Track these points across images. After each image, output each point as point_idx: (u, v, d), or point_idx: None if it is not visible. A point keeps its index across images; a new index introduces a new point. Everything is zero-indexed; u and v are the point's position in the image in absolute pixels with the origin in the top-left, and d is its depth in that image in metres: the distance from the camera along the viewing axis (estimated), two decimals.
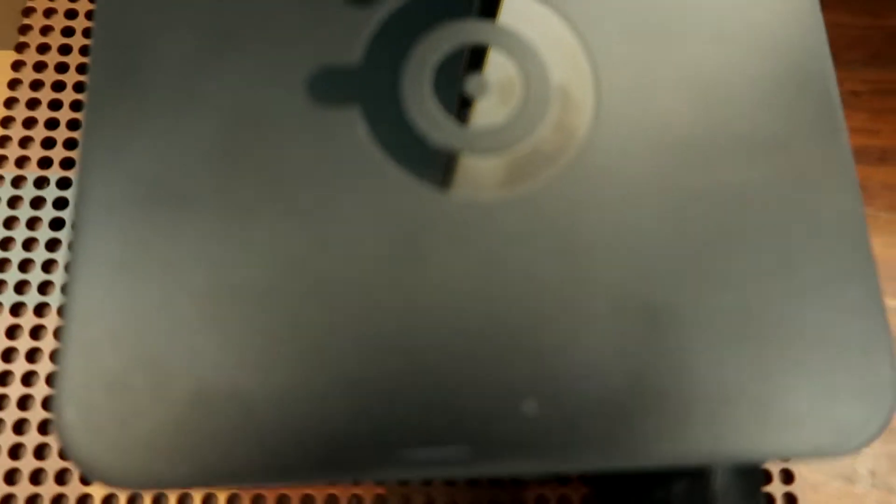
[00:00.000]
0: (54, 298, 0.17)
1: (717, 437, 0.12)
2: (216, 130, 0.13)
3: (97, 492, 0.15)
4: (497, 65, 0.14)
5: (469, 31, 0.14)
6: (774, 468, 0.17)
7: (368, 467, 0.11)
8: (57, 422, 0.11)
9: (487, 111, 0.13)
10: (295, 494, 0.16)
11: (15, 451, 0.16)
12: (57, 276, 0.17)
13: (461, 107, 0.13)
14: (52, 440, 0.16)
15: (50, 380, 0.16)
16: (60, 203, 0.17)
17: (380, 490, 0.16)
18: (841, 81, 0.35)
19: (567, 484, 0.16)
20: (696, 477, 0.13)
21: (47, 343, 0.16)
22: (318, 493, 0.16)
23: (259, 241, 0.12)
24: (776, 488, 0.17)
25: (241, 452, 0.11)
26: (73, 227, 0.12)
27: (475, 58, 0.14)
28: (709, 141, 0.13)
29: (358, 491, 0.16)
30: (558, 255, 0.13)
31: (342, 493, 0.16)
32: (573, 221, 0.13)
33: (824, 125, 0.14)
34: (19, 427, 0.16)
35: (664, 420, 0.12)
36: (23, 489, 0.15)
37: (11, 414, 0.16)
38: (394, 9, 0.14)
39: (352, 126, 0.13)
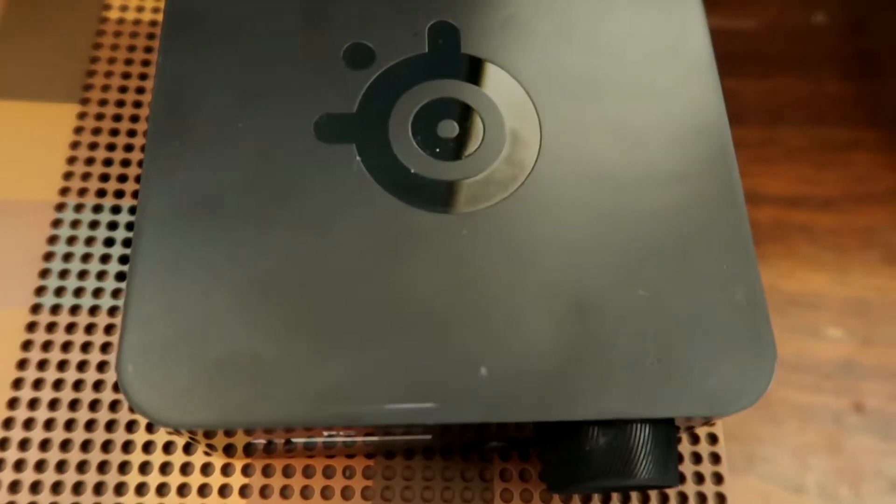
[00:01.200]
0: (105, 301, 0.20)
1: (630, 397, 0.15)
2: (244, 161, 0.17)
3: (160, 438, 0.19)
4: (463, 113, 0.18)
5: (440, 88, 0.18)
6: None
7: (360, 415, 0.15)
8: (120, 378, 0.15)
9: (456, 149, 0.17)
10: (298, 465, 0.19)
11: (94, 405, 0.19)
12: (107, 284, 0.20)
13: (435, 145, 0.17)
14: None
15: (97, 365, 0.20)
16: (112, 225, 0.21)
17: (369, 462, 0.19)
18: (788, 138, 0.39)
19: (527, 460, 0.20)
20: (618, 431, 0.16)
21: (98, 337, 0.20)
22: (318, 464, 0.19)
23: (275, 244, 0.16)
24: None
25: (258, 401, 0.15)
26: (134, 231, 0.16)
27: (446, 108, 0.18)
28: (628, 174, 0.17)
29: (351, 462, 0.19)
30: (508, 258, 0.16)
31: (338, 463, 0.19)
32: (521, 233, 0.17)
33: (718, 163, 0.18)
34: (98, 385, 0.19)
35: (586, 382, 0.15)
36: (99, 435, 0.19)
37: (87, 395, 0.19)
38: (381, 72, 0.18)
39: (349, 159, 0.17)
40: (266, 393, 0.15)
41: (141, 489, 0.19)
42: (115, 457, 0.19)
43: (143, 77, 0.23)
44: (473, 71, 0.18)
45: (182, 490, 0.19)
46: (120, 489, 0.19)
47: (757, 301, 0.16)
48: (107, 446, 0.19)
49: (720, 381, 0.16)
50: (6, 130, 0.22)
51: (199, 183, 0.17)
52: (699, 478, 0.20)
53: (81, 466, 0.19)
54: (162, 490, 0.19)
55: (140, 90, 0.23)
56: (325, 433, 0.16)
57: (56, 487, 0.18)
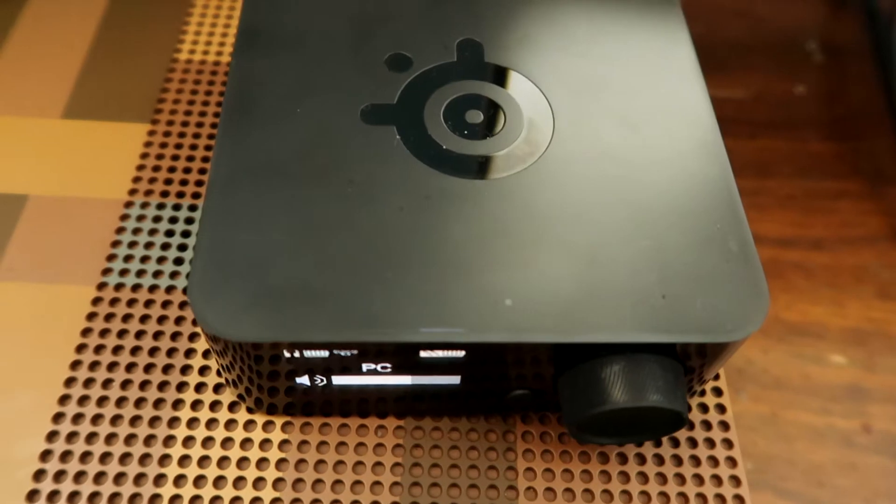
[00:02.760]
0: (163, 281, 0.23)
1: (639, 324, 0.17)
2: (300, 135, 0.20)
3: (207, 398, 0.20)
4: (487, 105, 0.21)
5: (467, 87, 0.21)
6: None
7: (398, 335, 0.17)
8: (190, 297, 0.17)
9: (481, 132, 0.20)
10: (334, 423, 0.21)
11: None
12: (166, 267, 0.23)
13: (463, 128, 0.20)
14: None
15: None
16: (172, 220, 0.24)
17: (400, 422, 0.21)
18: (778, 188, 0.42)
19: (548, 424, 0.21)
20: (629, 360, 0.17)
21: (155, 311, 0.22)
22: (352, 423, 0.21)
23: (325, 197, 0.19)
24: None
25: (309, 321, 0.17)
26: (206, 184, 0.19)
27: (472, 101, 0.21)
28: (630, 153, 0.20)
29: (384, 422, 0.21)
30: (529, 215, 0.19)
31: (371, 423, 0.21)
32: (540, 195, 0.19)
33: (707, 143, 0.20)
34: (153, 351, 0.21)
35: (599, 312, 0.17)
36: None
37: (143, 359, 0.21)
38: (417, 74, 0.21)
39: (390, 137, 0.20)
40: (316, 314, 0.17)
41: (188, 442, 0.20)
42: (166, 413, 0.20)
43: (205, 104, 0.27)
44: (495, 74, 0.22)
45: (225, 444, 0.20)
46: (168, 441, 0.20)
47: (748, 251, 0.19)
48: (158, 404, 0.21)
49: (719, 314, 0.17)
50: (86, 143, 0.26)
51: (262, 149, 0.19)
52: (718, 481, 0.21)
53: (134, 421, 0.20)
54: (207, 444, 0.20)
55: (202, 114, 0.26)
56: (364, 366, 0.18)
57: (109, 439, 0.20)
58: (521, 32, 0.23)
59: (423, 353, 0.18)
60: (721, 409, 0.22)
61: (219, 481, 0.20)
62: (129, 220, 0.24)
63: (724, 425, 0.21)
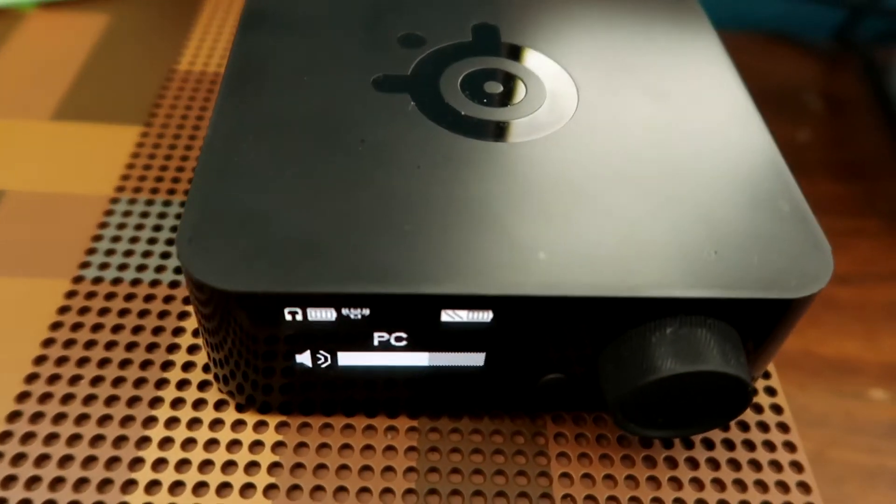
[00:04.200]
0: (147, 275, 0.20)
1: (686, 277, 0.15)
2: (307, 99, 0.18)
3: (190, 395, 0.18)
4: (506, 77, 0.20)
5: (484, 62, 0.20)
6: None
7: (418, 285, 0.14)
8: (178, 248, 0.15)
9: (501, 100, 0.19)
10: (337, 423, 0.18)
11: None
12: (151, 262, 0.21)
13: (483, 97, 0.19)
14: None
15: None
16: (161, 215, 0.22)
17: (412, 422, 0.18)
18: None
19: (583, 425, 0.18)
20: (679, 322, 0.15)
21: (136, 304, 0.20)
22: (358, 423, 0.18)
23: (335, 156, 0.17)
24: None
25: (315, 273, 0.14)
26: (203, 147, 0.17)
27: (490, 74, 0.20)
28: (660, 121, 0.19)
29: (394, 422, 0.18)
30: (555, 173, 0.17)
31: (380, 423, 0.18)
32: (566, 157, 0.17)
33: (739, 110, 0.19)
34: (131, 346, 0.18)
35: (641, 264, 0.15)
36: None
37: (119, 354, 0.18)
38: (432, 50, 0.20)
39: (404, 104, 0.18)
40: (322, 265, 0.15)
41: (164, 444, 0.17)
42: (141, 412, 0.17)
43: (203, 109, 0.25)
44: (513, 52, 0.21)
45: (209, 446, 0.17)
46: (142, 444, 0.17)
47: (802, 210, 0.17)
48: (132, 402, 0.18)
49: (780, 270, 0.15)
50: (74, 143, 0.24)
51: (265, 111, 0.18)
52: (784, 488, 0.18)
53: (102, 421, 0.17)
54: (187, 446, 0.17)
55: (199, 118, 0.25)
56: (377, 336, 0.16)
57: (72, 441, 0.17)
58: (538, 15, 0.22)
59: (444, 317, 0.15)
60: (777, 409, 0.19)
61: (199, 489, 0.16)
62: (113, 215, 0.22)
63: (783, 427, 0.18)
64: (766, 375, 0.20)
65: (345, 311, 0.15)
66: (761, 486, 0.17)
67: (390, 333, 0.16)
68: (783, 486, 0.17)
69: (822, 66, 0.47)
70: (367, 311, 0.15)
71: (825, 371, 0.30)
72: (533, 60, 0.20)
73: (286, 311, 0.15)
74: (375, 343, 0.16)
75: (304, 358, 0.16)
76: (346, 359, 0.16)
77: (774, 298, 0.15)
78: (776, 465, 0.18)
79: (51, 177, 0.23)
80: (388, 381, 0.17)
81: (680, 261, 0.15)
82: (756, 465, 0.18)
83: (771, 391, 0.19)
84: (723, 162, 0.18)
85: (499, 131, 0.18)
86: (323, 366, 0.16)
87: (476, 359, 0.16)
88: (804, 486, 0.17)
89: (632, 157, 0.18)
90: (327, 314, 0.15)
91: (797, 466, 0.18)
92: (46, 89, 0.26)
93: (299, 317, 0.15)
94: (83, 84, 0.26)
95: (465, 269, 0.15)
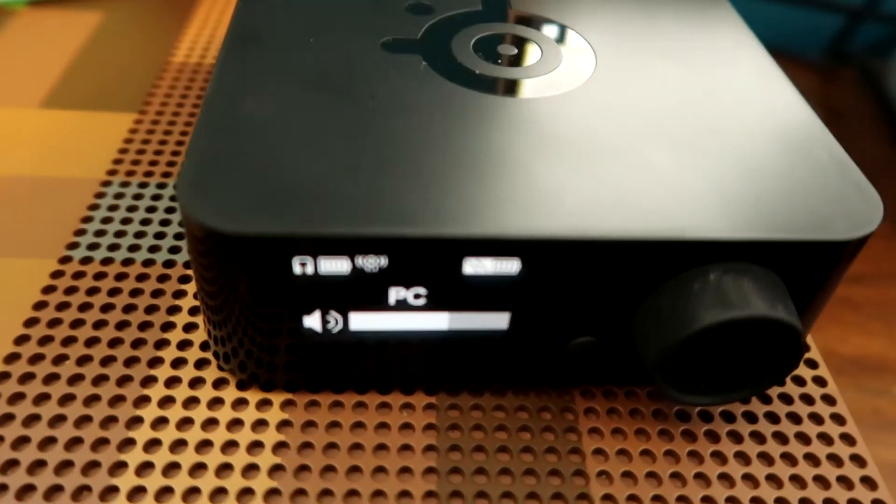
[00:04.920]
0: (140, 255, 0.19)
1: (726, 219, 0.14)
2: (319, 59, 0.17)
3: (187, 374, 0.16)
4: (520, 41, 0.19)
5: (496, 28, 0.19)
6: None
7: (440, 227, 0.13)
8: (179, 194, 0.13)
9: (516, 61, 0.18)
10: (348, 401, 0.16)
11: None
12: (144, 241, 0.19)
13: (496, 58, 0.18)
14: None
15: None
16: (156, 197, 0.21)
17: (430, 399, 0.16)
18: None
19: (614, 399, 0.17)
20: (722, 270, 0.14)
21: (128, 284, 0.18)
22: (370, 400, 0.16)
23: (346, 109, 0.16)
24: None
25: (326, 214, 0.13)
26: (205, 100, 0.16)
27: (503, 38, 0.19)
28: (684, 81, 0.18)
29: (411, 399, 0.16)
30: (578, 125, 0.16)
31: (395, 400, 0.16)
32: (588, 111, 0.17)
33: (763, 68, 0.18)
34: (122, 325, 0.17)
35: (677, 204, 0.14)
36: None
37: (108, 333, 0.17)
38: (442, 16, 0.20)
39: (415, 64, 0.18)
40: (335, 209, 0.14)
41: (158, 425, 0.15)
42: (131, 391, 0.16)
43: (199, 97, 0.24)
44: (525, 19, 0.20)
45: (207, 426, 0.15)
46: (132, 424, 0.15)
47: (841, 158, 0.16)
48: (123, 382, 0.16)
49: (825, 215, 0.14)
50: (65, 130, 0.23)
51: (271, 68, 0.17)
52: (837, 461, 0.16)
53: (89, 402, 0.16)
54: (183, 426, 0.15)
55: (195, 105, 0.24)
56: (393, 292, 0.14)
57: (55, 422, 0.15)
58: None
59: (467, 268, 0.14)
60: (821, 382, 0.18)
61: (196, 470, 0.15)
62: (104, 198, 0.21)
63: (829, 400, 0.17)
64: (805, 347, 0.18)
65: (360, 262, 0.14)
66: (812, 459, 0.16)
67: (408, 289, 0.14)
68: (835, 459, 0.16)
69: (817, 77, 0.47)
70: (384, 261, 0.14)
71: (848, 369, 0.29)
72: (546, 26, 0.20)
73: (296, 261, 0.14)
74: (392, 301, 0.15)
75: (314, 321, 0.15)
76: (359, 321, 0.15)
77: (824, 241, 0.14)
78: (825, 438, 0.16)
79: (40, 161, 0.22)
80: (404, 350, 0.16)
81: (719, 206, 0.14)
82: (804, 439, 0.16)
83: (812, 364, 0.18)
84: (752, 116, 0.17)
85: (517, 88, 0.17)
86: (334, 331, 0.15)
87: (500, 320, 0.15)
88: (858, 459, 0.16)
89: (657, 112, 0.17)
90: (341, 265, 0.14)
91: (848, 439, 0.16)
92: (37, 79, 0.25)
93: (310, 269, 0.14)
94: (75, 75, 0.25)
95: (491, 212, 0.14)
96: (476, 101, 0.17)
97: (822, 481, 0.16)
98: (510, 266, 0.14)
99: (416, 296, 0.15)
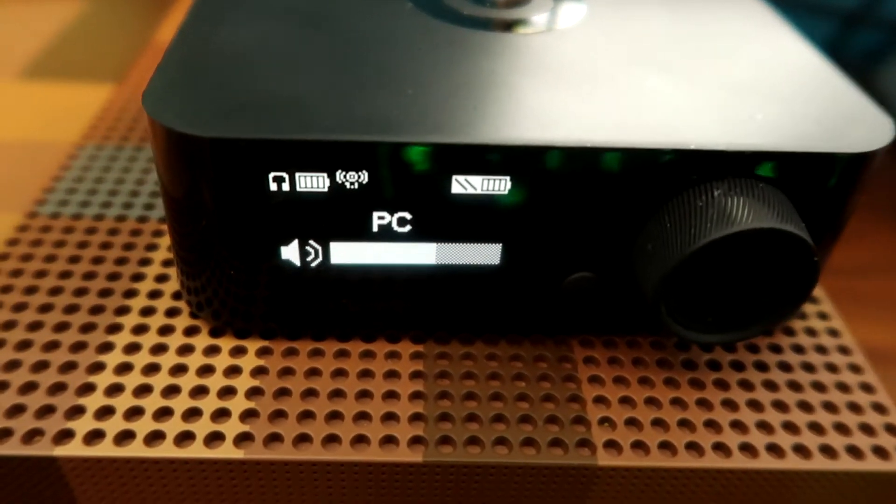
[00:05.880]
0: (112, 211, 0.18)
1: (726, 131, 0.13)
2: (303, 1, 0.17)
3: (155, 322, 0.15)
4: None
5: None
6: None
7: (425, 134, 0.12)
8: (146, 103, 0.13)
9: (505, 4, 0.18)
10: (329, 349, 0.15)
11: None
12: (117, 199, 0.18)
13: (485, 3, 0.18)
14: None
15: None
16: (132, 159, 0.20)
17: (417, 347, 0.15)
18: None
19: (614, 349, 0.16)
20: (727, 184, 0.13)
21: (98, 237, 0.17)
22: (353, 348, 0.15)
23: (327, 36, 0.15)
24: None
25: (303, 120, 0.12)
26: (179, 29, 0.15)
27: None
28: (680, 25, 0.17)
29: (397, 347, 0.15)
30: (572, 56, 0.15)
31: (379, 348, 0.15)
32: (574, 46, 0.16)
33: (763, 20, 0.18)
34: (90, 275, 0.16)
35: (685, 119, 0.13)
36: None
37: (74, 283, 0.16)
38: None
39: (400, 4, 0.17)
40: (313, 116, 0.13)
41: (123, 371, 0.14)
42: (95, 338, 0.15)
43: None
44: None
45: (176, 373, 0.14)
46: (94, 369, 0.14)
47: (845, 84, 0.15)
48: (87, 329, 0.15)
49: (834, 130, 0.14)
50: (43, 99, 0.22)
51: (251, 3, 0.16)
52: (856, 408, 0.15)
53: (49, 347, 0.14)
54: (150, 372, 0.14)
55: None
56: (376, 216, 0.13)
57: (10, 367, 0.14)
58: None
59: (455, 186, 0.13)
60: (833, 333, 0.17)
61: (161, 416, 0.14)
62: (77, 159, 0.20)
63: (844, 350, 0.16)
64: (815, 300, 0.17)
65: (339, 177, 0.13)
66: (830, 408, 0.15)
67: (392, 213, 0.13)
68: (855, 408, 0.15)
69: None
70: (364, 176, 0.13)
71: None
72: None
73: (271, 176, 0.13)
74: (375, 228, 0.14)
75: (292, 252, 0.14)
76: (341, 253, 0.14)
77: (836, 153, 0.13)
78: (843, 387, 0.15)
79: (12, 127, 0.21)
80: (389, 287, 0.15)
81: (721, 122, 0.14)
82: (820, 387, 0.15)
83: (823, 315, 0.17)
84: (751, 51, 0.16)
85: (504, 26, 0.17)
86: (313, 264, 0.14)
87: (491, 253, 0.14)
88: (879, 408, 0.15)
89: (652, 47, 0.16)
90: (318, 181, 0.13)
91: (867, 388, 0.15)
92: (17, 54, 0.24)
93: (286, 185, 0.13)
94: (56, 50, 0.25)
95: (479, 122, 0.13)
96: (462, 34, 0.16)
97: (842, 429, 0.14)
98: (500, 185, 0.13)
99: (401, 221, 0.14)
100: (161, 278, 0.16)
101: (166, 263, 0.17)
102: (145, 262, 0.17)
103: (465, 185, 0.13)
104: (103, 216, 0.18)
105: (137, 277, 0.16)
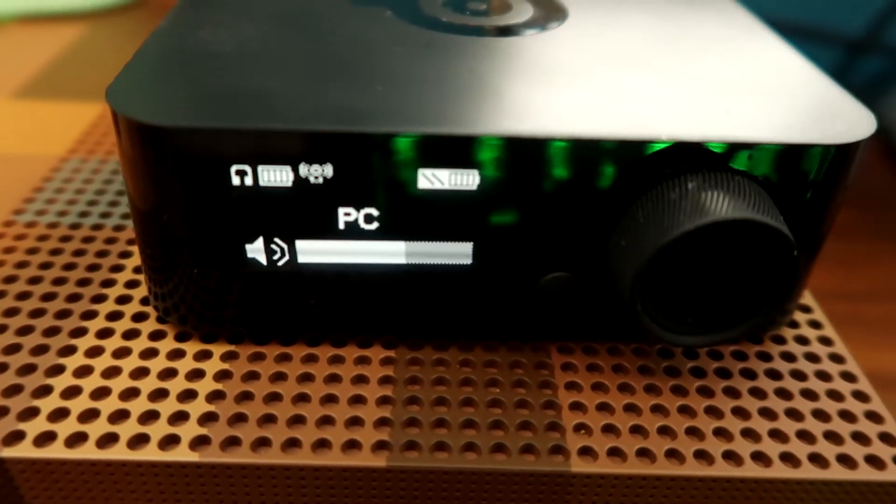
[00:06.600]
0: (89, 220, 0.18)
1: (701, 124, 0.13)
2: (282, 7, 0.17)
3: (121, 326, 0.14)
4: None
5: None
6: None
7: (394, 124, 0.12)
8: (110, 97, 0.13)
9: (484, 12, 0.18)
10: (297, 353, 0.14)
11: None
12: (96, 209, 0.18)
13: (464, 9, 0.18)
14: None
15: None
16: (115, 171, 0.20)
17: (389, 352, 0.15)
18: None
19: (594, 355, 0.15)
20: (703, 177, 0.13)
21: (71, 245, 0.17)
22: (322, 353, 0.15)
23: (302, 37, 0.15)
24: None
25: (268, 111, 0.12)
26: (154, 32, 0.15)
27: None
28: (659, 28, 0.17)
29: (367, 352, 0.15)
30: (542, 56, 0.15)
31: (349, 353, 0.15)
32: (552, 48, 0.16)
33: (744, 24, 0.18)
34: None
35: (660, 112, 0.13)
36: None
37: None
38: None
39: (380, 12, 0.17)
40: (278, 107, 0.12)
41: (82, 374, 0.14)
42: (57, 341, 0.14)
43: None
44: None
45: (137, 376, 0.14)
46: (53, 371, 0.14)
47: (829, 83, 0.15)
48: (50, 333, 0.15)
49: (812, 124, 0.13)
50: (33, 116, 0.22)
51: (229, 10, 0.16)
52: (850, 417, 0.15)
53: (10, 350, 0.14)
54: (110, 375, 0.14)
55: None
56: (342, 213, 0.13)
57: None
58: None
59: (422, 181, 0.13)
60: (826, 341, 0.16)
61: (118, 419, 0.13)
62: (60, 171, 0.20)
63: (837, 358, 0.15)
64: (807, 309, 0.17)
65: (303, 171, 0.13)
66: (822, 416, 0.14)
67: (358, 210, 0.13)
68: (848, 415, 0.14)
69: None
70: (329, 170, 0.13)
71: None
72: None
73: (233, 169, 0.12)
74: (341, 225, 0.13)
75: (257, 251, 0.14)
76: (307, 251, 0.14)
77: (821, 144, 0.13)
78: (836, 395, 0.14)
79: (1, 140, 0.21)
80: (359, 288, 0.14)
81: (696, 115, 0.13)
82: (811, 395, 0.14)
83: (816, 324, 0.16)
84: (730, 51, 0.16)
85: (483, 32, 0.17)
86: (280, 262, 0.14)
87: (462, 252, 0.14)
88: (875, 416, 0.14)
89: (629, 49, 0.16)
90: (282, 175, 0.13)
91: (862, 396, 0.14)
92: (13, 74, 0.25)
93: (249, 180, 0.13)
94: (52, 72, 0.25)
95: (446, 114, 0.13)
96: (438, 38, 0.16)
97: (833, 437, 0.14)
98: (468, 180, 0.13)
99: (368, 218, 0.13)
100: (131, 284, 0.16)
101: (138, 270, 0.16)
102: (117, 268, 0.16)
103: (431, 179, 0.13)
104: (79, 225, 0.18)
105: (108, 283, 0.16)
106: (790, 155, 0.13)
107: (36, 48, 0.27)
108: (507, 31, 0.17)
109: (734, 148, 0.13)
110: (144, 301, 0.16)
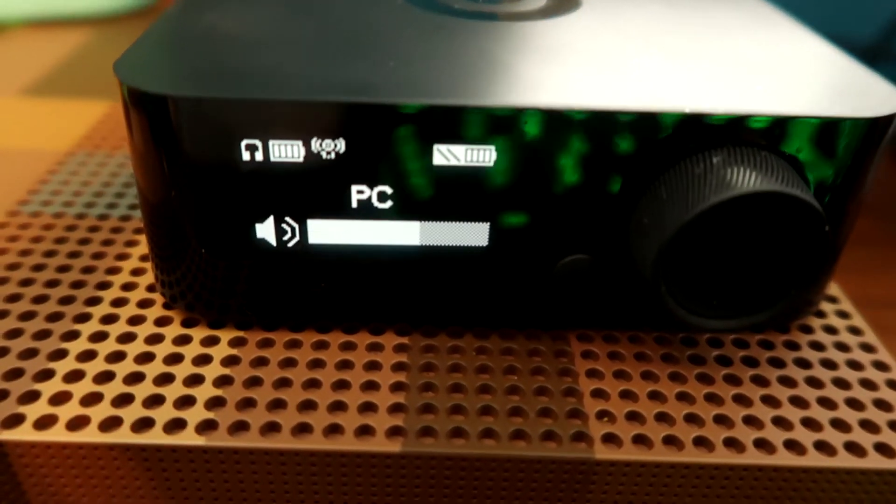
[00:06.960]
0: (94, 210, 0.17)
1: (740, 97, 0.12)
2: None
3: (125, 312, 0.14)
4: None
5: None
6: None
7: (407, 95, 0.12)
8: (118, 70, 0.12)
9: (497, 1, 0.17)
10: (307, 339, 0.14)
11: None
12: (102, 200, 0.18)
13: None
14: None
15: None
16: (122, 164, 0.19)
17: (402, 339, 0.14)
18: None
19: (615, 343, 0.14)
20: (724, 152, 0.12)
21: (76, 234, 0.17)
22: (333, 339, 0.14)
23: (314, 20, 0.15)
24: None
25: (279, 83, 0.12)
26: (163, 14, 0.15)
27: None
28: (675, 15, 0.17)
29: (379, 339, 0.14)
30: (556, 39, 0.15)
31: (361, 340, 0.14)
32: (566, 33, 0.15)
33: (760, 12, 0.17)
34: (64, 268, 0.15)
35: (682, 86, 0.13)
36: None
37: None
38: None
39: (391, 3, 0.17)
40: (289, 80, 0.12)
41: (86, 358, 0.13)
42: (60, 326, 0.14)
43: None
44: None
45: (142, 360, 0.13)
46: (56, 355, 0.13)
47: (848, 61, 0.14)
48: (53, 318, 0.14)
49: (839, 98, 0.13)
50: (41, 112, 0.22)
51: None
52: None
53: (13, 335, 0.14)
54: (114, 359, 0.13)
55: None
56: (354, 190, 0.12)
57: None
58: None
59: (437, 157, 0.12)
60: (855, 331, 0.15)
61: (121, 403, 0.12)
62: (67, 164, 0.19)
63: (868, 348, 0.15)
64: (833, 299, 0.16)
65: (315, 145, 0.12)
66: (856, 404, 0.13)
67: (372, 187, 0.13)
68: (883, 405, 0.13)
69: None
70: (341, 145, 0.12)
71: None
72: None
73: (243, 144, 0.12)
74: (354, 204, 0.13)
75: (267, 231, 0.13)
76: (319, 232, 0.13)
77: (841, 117, 0.12)
78: (869, 384, 0.14)
79: (7, 135, 0.21)
80: (371, 270, 0.14)
81: (721, 90, 0.13)
82: (843, 384, 0.14)
83: (843, 314, 0.16)
84: (753, 35, 0.16)
85: (498, 17, 0.16)
86: (290, 243, 0.13)
87: (478, 234, 0.13)
88: None
89: (649, 33, 0.16)
90: (293, 150, 0.12)
91: (892, 384, 0.14)
92: (21, 73, 0.24)
93: (259, 155, 0.12)
94: (58, 74, 0.25)
95: (462, 87, 0.12)
96: (451, 22, 0.16)
97: (869, 426, 0.13)
98: (485, 155, 0.12)
99: (382, 196, 0.13)
100: (137, 272, 0.16)
101: (144, 258, 0.16)
102: (123, 256, 0.16)
103: (447, 155, 0.12)
104: (85, 215, 0.17)
105: (113, 271, 0.16)
106: (820, 129, 0.12)
107: (44, 51, 0.27)
108: (520, 17, 0.16)
109: (759, 121, 0.12)
110: (150, 288, 0.15)
